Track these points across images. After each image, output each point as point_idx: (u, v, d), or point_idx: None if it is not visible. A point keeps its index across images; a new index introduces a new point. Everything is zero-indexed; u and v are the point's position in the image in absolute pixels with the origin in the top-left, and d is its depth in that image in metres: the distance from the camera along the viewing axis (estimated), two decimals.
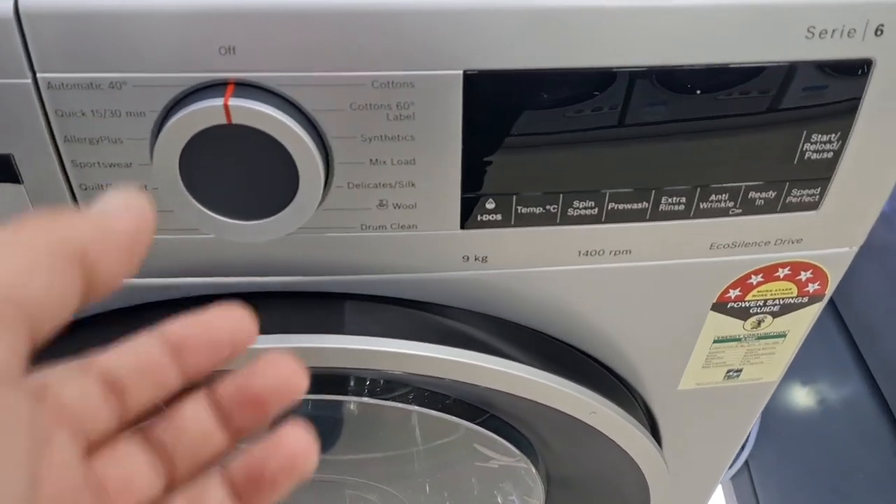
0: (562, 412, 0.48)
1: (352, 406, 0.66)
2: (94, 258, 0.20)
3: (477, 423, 0.55)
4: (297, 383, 0.25)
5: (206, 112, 0.34)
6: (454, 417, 0.55)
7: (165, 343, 0.24)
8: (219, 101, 0.34)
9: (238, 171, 0.36)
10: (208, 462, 0.25)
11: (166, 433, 0.25)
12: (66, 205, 0.39)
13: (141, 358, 0.24)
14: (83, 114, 0.35)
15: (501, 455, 0.59)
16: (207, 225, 0.38)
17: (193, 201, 0.37)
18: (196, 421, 0.25)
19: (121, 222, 0.22)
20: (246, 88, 0.35)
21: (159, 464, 0.24)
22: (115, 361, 0.24)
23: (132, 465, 0.24)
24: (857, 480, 1.16)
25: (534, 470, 0.59)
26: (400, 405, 0.57)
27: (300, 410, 0.66)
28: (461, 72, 0.35)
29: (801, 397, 1.31)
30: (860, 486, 1.16)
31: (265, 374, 0.25)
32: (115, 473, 0.23)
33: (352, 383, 0.58)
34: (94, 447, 0.23)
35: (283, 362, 0.25)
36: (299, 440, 0.25)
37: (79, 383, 0.22)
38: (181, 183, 0.36)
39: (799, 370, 1.32)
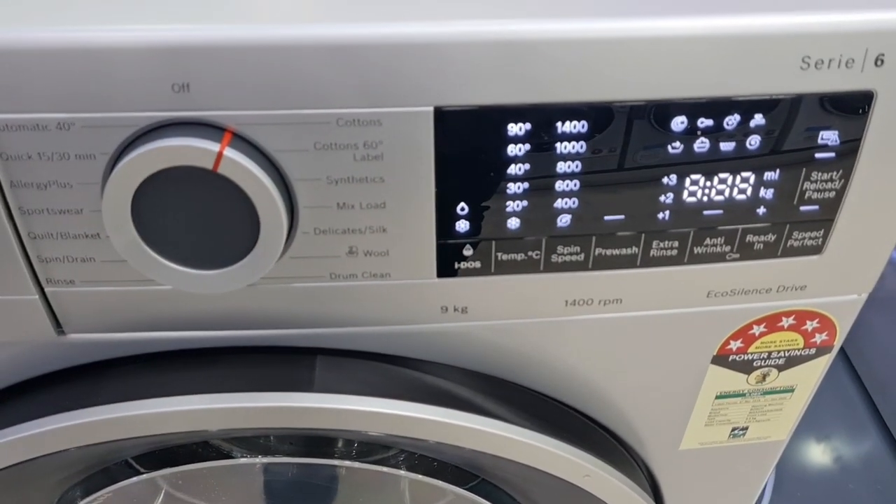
0: (553, 475, 0.45)
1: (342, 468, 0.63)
2: None
3: (468, 489, 0.52)
4: None
5: (189, 153, 0.32)
6: (444, 483, 0.52)
7: None
8: (213, 146, 0.32)
9: (194, 217, 0.34)
10: None
11: None
12: (12, 255, 0.36)
13: None
14: (29, 157, 0.33)
15: None
16: (163, 275, 0.36)
17: (148, 249, 0.35)
18: None
19: None
20: (199, 128, 0.32)
21: None
22: None
23: None
24: None
25: None
26: (386, 469, 0.54)
27: (290, 472, 0.63)
28: (431, 108, 0.33)
29: (817, 455, 1.27)
30: None
31: None
32: None
33: (339, 444, 0.56)
34: None
35: None
36: None
37: None
38: (134, 230, 0.34)
39: (813, 426, 1.28)
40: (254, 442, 0.55)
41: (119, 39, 0.31)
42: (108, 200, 0.33)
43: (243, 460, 0.54)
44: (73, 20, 0.32)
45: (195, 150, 0.32)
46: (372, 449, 0.54)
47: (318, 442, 0.55)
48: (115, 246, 0.35)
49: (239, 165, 0.33)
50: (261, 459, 0.56)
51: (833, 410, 1.30)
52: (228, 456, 0.55)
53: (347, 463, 0.55)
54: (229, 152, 0.32)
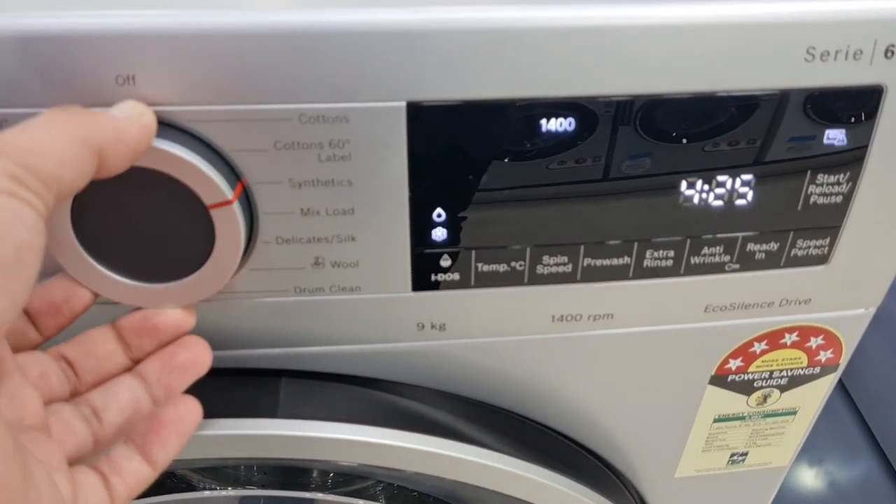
0: None
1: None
2: (108, 152, 0.27)
3: None
4: (188, 323, 0.34)
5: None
6: None
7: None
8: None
9: (142, 224, 0.31)
10: (110, 376, 0.33)
11: (75, 351, 0.33)
12: None
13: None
14: None
15: None
16: (107, 289, 0.33)
17: (90, 260, 0.32)
18: (102, 342, 0.33)
19: (131, 128, 0.28)
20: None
21: (67, 371, 0.32)
22: None
23: (46, 364, 0.31)
24: None
25: None
26: (362, 502, 0.51)
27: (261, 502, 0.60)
28: (404, 103, 0.31)
29: (810, 480, 1.25)
30: None
31: (162, 314, 0.33)
32: (32, 368, 0.31)
33: (314, 474, 0.53)
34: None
35: (177, 312, 0.34)
36: (201, 343, 0.34)
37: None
38: (75, 238, 0.31)
39: (805, 450, 1.25)
40: (223, 472, 0.52)
41: (53, 26, 0.28)
42: None
43: (207, 493, 0.51)
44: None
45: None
46: (349, 479, 0.52)
47: (290, 472, 0.52)
48: (56, 258, 0.32)
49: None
50: (230, 492, 0.53)
51: (826, 433, 1.28)
52: (194, 488, 0.51)
53: (320, 496, 0.51)
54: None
